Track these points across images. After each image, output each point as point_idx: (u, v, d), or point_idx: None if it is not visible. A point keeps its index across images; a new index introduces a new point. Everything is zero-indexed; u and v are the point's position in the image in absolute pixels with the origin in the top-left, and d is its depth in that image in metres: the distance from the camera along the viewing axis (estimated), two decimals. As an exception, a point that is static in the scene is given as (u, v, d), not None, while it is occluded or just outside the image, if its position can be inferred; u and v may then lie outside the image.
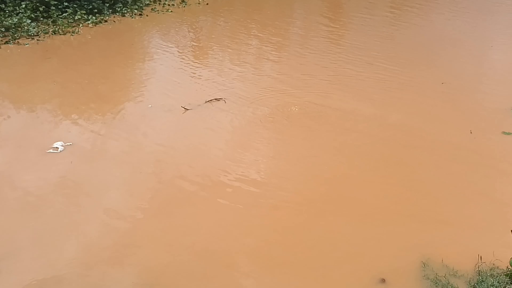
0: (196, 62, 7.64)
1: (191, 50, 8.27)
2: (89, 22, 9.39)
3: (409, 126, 5.14)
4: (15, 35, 8.41)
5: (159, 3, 10.82)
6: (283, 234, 3.67)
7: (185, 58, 7.90)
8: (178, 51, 8.23)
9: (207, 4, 11.01)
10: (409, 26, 9.39)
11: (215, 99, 6.06)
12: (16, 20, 8.72)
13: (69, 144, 5.10)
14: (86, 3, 9.72)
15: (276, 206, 3.98)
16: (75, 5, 9.65)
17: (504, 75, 6.48)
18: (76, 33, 8.96)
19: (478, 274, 3.13)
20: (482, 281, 3.06)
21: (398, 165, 4.50)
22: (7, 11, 8.99)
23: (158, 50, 8.35)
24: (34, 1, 9.29)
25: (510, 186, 4.00)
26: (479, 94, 5.96)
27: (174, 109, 5.82)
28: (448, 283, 3.10)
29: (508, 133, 4.75)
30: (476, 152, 4.52)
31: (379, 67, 6.92)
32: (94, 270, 3.41)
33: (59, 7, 9.46)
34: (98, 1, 9.80)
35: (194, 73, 7.17)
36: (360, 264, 3.33)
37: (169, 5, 10.76)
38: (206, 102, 6.01)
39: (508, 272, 3.09)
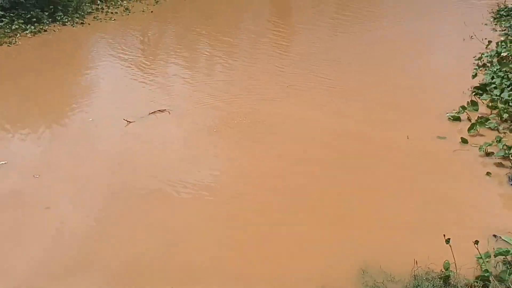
0: (142, 71, 7.48)
1: (136, 59, 8.09)
2: (27, 32, 9.02)
3: (355, 132, 5.25)
4: None
5: (102, 11, 10.54)
6: (235, 247, 3.64)
7: (130, 67, 7.72)
8: (122, 60, 8.03)
9: (152, 12, 10.86)
10: (352, 34, 9.64)
11: (159, 110, 5.96)
12: None
13: (3, 163, 4.86)
14: (23, 12, 9.32)
15: (227, 219, 3.95)
16: (12, 14, 9.23)
17: (439, 81, 6.76)
18: (14, 43, 8.59)
19: (414, 279, 3.23)
20: (418, 285, 3.16)
21: (341, 171, 4.57)
22: None
23: (101, 60, 8.13)
24: (-33, 11, 8.85)
25: (444, 190, 4.16)
26: (417, 100, 6.17)
27: (117, 122, 5.66)
28: (386, 289, 3.18)
29: (443, 138, 4.95)
30: (412, 157, 4.68)
31: (326, 75, 7.04)
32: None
33: (-5, 17, 9.04)
34: (37, 10, 9.41)
35: (139, 83, 7.01)
36: (299, 274, 3.35)
37: (112, 13, 10.50)
38: (150, 113, 5.89)
39: (442, 275, 3.20)
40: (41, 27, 9.24)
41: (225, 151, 5.04)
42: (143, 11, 10.80)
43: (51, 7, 9.61)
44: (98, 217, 4.05)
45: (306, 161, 4.72)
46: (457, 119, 5.34)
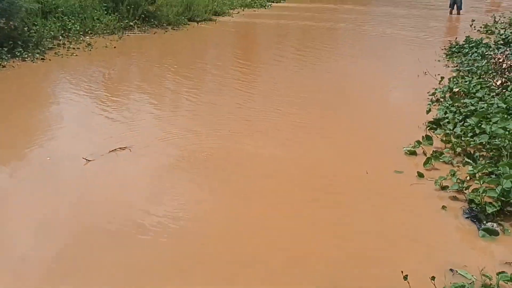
0: (104, 107, 7.39)
1: (98, 94, 8.01)
2: (-16, 67, 8.82)
3: (318, 167, 5.31)
4: None
5: (63, 47, 10.47)
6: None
7: (92, 103, 7.62)
8: (83, 95, 7.93)
9: (115, 47, 10.85)
10: (313, 71, 9.92)
11: (120, 148, 5.86)
12: None
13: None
14: (-20, 47, 9.13)
15: (186, 264, 3.85)
16: (-32, 50, 9.03)
17: (396, 116, 7.01)
18: (-31, 79, 8.35)
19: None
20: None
21: (305, 206, 4.58)
22: None
23: (61, 95, 8.00)
24: None
25: (401, 225, 4.24)
26: (376, 135, 6.35)
27: (75, 160, 5.52)
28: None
29: (400, 172, 5.09)
30: (371, 191, 4.76)
31: (289, 110, 7.17)
32: None
33: (-52, 52, 8.81)
34: (-5, 46, 9.25)
35: (101, 119, 6.91)
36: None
37: (74, 48, 10.44)
38: (110, 151, 5.78)
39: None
40: (-1, 63, 9.07)
41: (188, 190, 4.98)
42: (106, 46, 10.80)
43: (11, 42, 9.47)
44: (55, 258, 3.88)
45: (272, 198, 4.72)
46: (413, 153, 5.51)
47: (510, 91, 6.60)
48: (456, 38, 11.97)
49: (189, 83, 8.74)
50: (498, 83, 7.12)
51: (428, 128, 6.19)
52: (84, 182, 5.19)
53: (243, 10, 21.31)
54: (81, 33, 11.34)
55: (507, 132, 4.93)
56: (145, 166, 5.52)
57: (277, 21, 18.24)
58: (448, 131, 5.81)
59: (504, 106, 5.80)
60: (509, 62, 7.91)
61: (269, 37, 15.44)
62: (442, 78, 8.31)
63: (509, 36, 10.90)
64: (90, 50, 10.39)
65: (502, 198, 4.13)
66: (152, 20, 15.14)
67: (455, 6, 18.55)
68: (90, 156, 5.59)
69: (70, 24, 11.47)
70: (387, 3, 24.95)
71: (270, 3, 24.16)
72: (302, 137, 6.18)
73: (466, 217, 4.26)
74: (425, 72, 8.95)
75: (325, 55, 11.75)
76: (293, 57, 11.37)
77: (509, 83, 7.04)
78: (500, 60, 7.99)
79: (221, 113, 7.09)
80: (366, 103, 7.68)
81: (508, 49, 9.37)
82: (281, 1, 26.09)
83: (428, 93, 7.64)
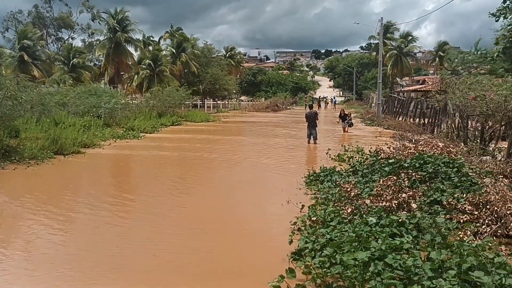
0: None
1: None
2: None
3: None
4: None
5: None
6: None
7: None
8: None
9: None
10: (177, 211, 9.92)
11: None
12: None
13: None
14: None
15: None
16: None
17: (261, 250, 7.16)
18: None
19: None
20: None
21: None
22: None
23: None
24: None
25: None
26: (241, 271, 6.34)
27: None
28: None
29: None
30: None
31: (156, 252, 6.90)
32: None
33: None
34: None
35: None
36: None
37: None
38: None
39: None
40: None
41: None
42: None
43: None
44: None
45: None
46: (278, 288, 5.55)
47: (358, 219, 7.26)
48: (313, 167, 13.23)
49: (52, 221, 8.10)
50: (348, 211, 7.83)
51: (292, 259, 6.38)
52: None
53: (115, 141, 21.25)
54: None
55: (357, 262, 5.29)
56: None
57: (149, 152, 18.43)
58: (308, 263, 6.04)
59: (354, 235, 6.30)
60: (356, 191, 8.87)
61: (141, 169, 15.39)
62: (303, 206, 8.88)
63: (356, 165, 12.37)
64: None
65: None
66: (13, 154, 14.27)
67: (312, 137, 20.87)
68: None
69: None
70: (257, 135, 27.16)
71: (143, 134, 24.58)
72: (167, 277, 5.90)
73: None
74: (288, 201, 9.53)
75: (195, 187, 11.99)
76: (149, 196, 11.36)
77: (356, 211, 7.79)
78: (349, 189, 8.92)
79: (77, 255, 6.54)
80: (232, 237, 7.76)
81: (355, 178, 10.56)
82: (155, 132, 26.77)
83: (290, 222, 8.02)
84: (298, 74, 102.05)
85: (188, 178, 13.41)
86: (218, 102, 58.98)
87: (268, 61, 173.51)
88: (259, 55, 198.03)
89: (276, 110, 57.55)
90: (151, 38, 73.29)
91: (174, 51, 56.57)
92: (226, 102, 62.67)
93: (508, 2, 7.93)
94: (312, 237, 6.90)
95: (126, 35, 52.74)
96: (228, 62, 70.17)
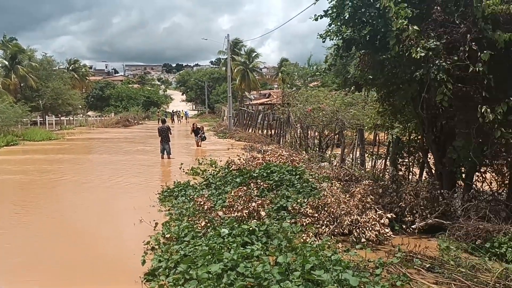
0: None
1: None
2: None
3: None
4: None
5: None
6: None
7: None
8: None
9: None
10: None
11: None
12: None
13: None
14: None
15: None
16: None
17: (111, 275, 6.79)
18: None
19: None
20: None
21: None
22: None
23: None
24: None
25: None
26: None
27: None
28: None
29: None
30: None
31: None
32: None
33: None
34: None
35: None
36: None
37: None
38: None
39: None
40: None
41: None
42: None
43: None
44: None
45: None
46: (130, 314, 5.30)
47: (212, 232, 7.37)
48: (166, 182, 13.05)
49: None
50: (202, 224, 7.90)
51: (145, 280, 6.17)
52: None
53: None
54: None
55: (211, 275, 5.35)
56: None
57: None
58: (161, 282, 5.91)
59: (207, 248, 6.37)
60: (209, 203, 9.01)
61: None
62: (157, 224, 8.69)
63: (209, 177, 12.58)
64: None
65: None
66: None
67: (165, 152, 20.62)
68: None
69: None
70: (107, 151, 25.77)
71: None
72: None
73: None
74: (141, 220, 9.21)
75: (37, 212, 10.82)
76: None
77: (210, 223, 7.90)
78: (202, 203, 9.02)
79: None
80: (81, 264, 7.19)
81: (208, 191, 10.73)
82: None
83: (143, 242, 7.73)
84: (149, 88, 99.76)
85: (28, 202, 12.02)
86: (62, 118, 54.43)
87: (116, 75, 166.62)
88: (106, 68, 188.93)
89: (128, 126, 55.50)
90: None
91: (7, 63, 50.67)
92: (71, 118, 58.19)
93: (332, 26, 8.96)
94: (165, 255, 6.76)
95: None
96: (71, 75, 65.55)
